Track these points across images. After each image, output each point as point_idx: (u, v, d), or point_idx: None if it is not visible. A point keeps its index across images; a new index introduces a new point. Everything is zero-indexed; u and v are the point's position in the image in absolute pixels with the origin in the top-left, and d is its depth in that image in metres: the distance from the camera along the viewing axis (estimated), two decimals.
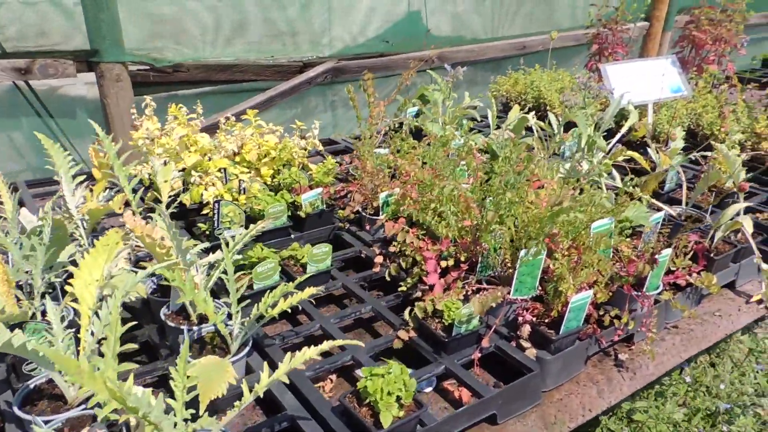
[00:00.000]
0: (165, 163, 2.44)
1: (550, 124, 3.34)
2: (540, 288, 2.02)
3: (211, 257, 1.83)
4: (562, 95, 3.53)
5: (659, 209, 2.70)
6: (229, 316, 1.71)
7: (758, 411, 3.52)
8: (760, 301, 2.42)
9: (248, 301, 1.86)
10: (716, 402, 3.29)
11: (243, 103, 3.68)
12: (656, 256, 2.02)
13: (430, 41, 4.69)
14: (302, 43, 4.02)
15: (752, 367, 3.99)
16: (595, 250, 2.02)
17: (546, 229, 1.97)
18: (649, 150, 3.13)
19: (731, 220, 2.32)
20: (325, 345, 1.44)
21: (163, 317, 1.78)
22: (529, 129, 3.47)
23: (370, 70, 4.27)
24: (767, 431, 3.53)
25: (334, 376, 1.87)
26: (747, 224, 2.23)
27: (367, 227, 2.51)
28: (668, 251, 2.08)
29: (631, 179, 2.94)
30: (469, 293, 1.99)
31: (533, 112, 3.44)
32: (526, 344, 1.90)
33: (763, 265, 2.36)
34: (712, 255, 2.33)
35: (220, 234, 2.27)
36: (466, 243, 2.09)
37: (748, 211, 2.97)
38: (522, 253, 1.94)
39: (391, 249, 2.26)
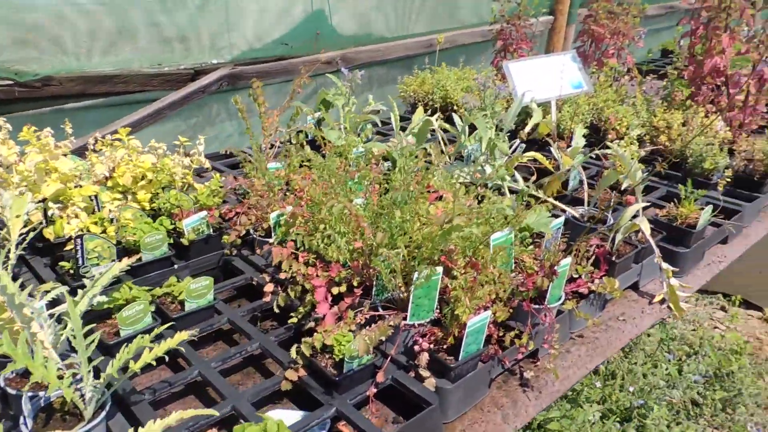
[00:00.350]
0: (21, 194, 2.16)
1: (455, 125, 3.25)
2: (438, 310, 1.89)
3: (58, 308, 1.59)
4: (462, 97, 3.44)
5: (562, 211, 2.65)
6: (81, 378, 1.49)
7: (671, 400, 3.58)
8: (662, 301, 2.40)
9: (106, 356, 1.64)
10: (630, 398, 3.31)
11: (125, 117, 3.39)
12: (555, 268, 1.94)
13: (336, 41, 4.52)
14: (195, 50, 3.76)
15: (664, 357, 4.07)
16: (493, 266, 1.92)
17: (440, 248, 1.85)
18: (552, 149, 3.09)
19: (630, 221, 2.28)
20: (173, 418, 1.24)
21: (2, 383, 1.53)
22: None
23: (269, 75, 4.08)
24: (680, 419, 3.59)
25: (215, 430, 1.68)
26: (644, 226, 2.19)
27: (258, 251, 2.32)
28: (568, 260, 2.00)
29: (534, 181, 2.89)
30: (362, 322, 1.84)
31: (438, 114, 3.34)
32: (425, 373, 1.77)
33: (664, 265, 2.33)
34: (613, 258, 2.29)
35: (87, 272, 2.03)
36: (358, 266, 1.93)
37: (651, 205, 2.98)
38: (415, 275, 1.81)
39: (282, 276, 2.08)
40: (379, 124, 3.70)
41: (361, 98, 4.92)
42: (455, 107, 3.97)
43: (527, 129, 3.31)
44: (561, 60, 3.68)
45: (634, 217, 2.29)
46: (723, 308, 5.23)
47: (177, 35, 3.63)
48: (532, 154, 2.87)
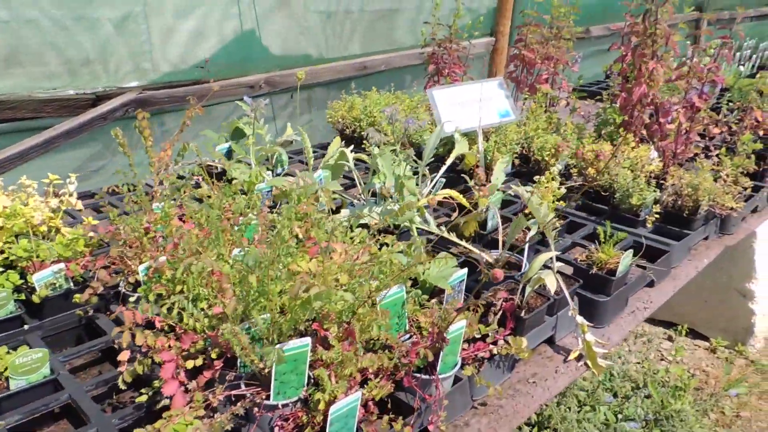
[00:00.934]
0: None
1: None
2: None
3: None
4: (366, 131, 3.22)
5: (475, 257, 2.43)
6: None
7: None
8: (579, 357, 2.19)
9: None
10: None
11: (9, 148, 3.07)
12: (445, 334, 1.70)
13: (266, 62, 4.27)
14: (100, 73, 3.46)
15: (603, 398, 3.86)
16: (372, 331, 1.68)
17: (304, 317, 1.60)
18: (472, 185, 2.87)
19: (540, 270, 2.06)
20: None
21: None
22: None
23: (182, 100, 3.80)
24: None
25: None
26: (549, 281, 1.98)
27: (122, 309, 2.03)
28: (461, 324, 1.77)
29: (446, 223, 2.67)
30: (216, 404, 1.57)
31: (352, 145, 3.11)
32: None
33: (578, 319, 2.13)
34: (522, 314, 2.07)
35: None
36: (215, 336, 1.67)
37: (575, 245, 2.79)
38: (276, 348, 1.55)
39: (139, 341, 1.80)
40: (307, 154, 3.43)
41: (299, 123, 4.69)
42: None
43: (448, 162, 3.10)
44: (488, 87, 3.50)
45: (544, 267, 2.07)
46: (670, 338, 5.10)
47: (80, 57, 3.34)
48: (447, 191, 2.65)
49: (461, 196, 2.66)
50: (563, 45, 4.05)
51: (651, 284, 2.63)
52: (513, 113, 3.42)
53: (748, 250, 4.44)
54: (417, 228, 2.48)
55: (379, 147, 2.46)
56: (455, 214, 2.96)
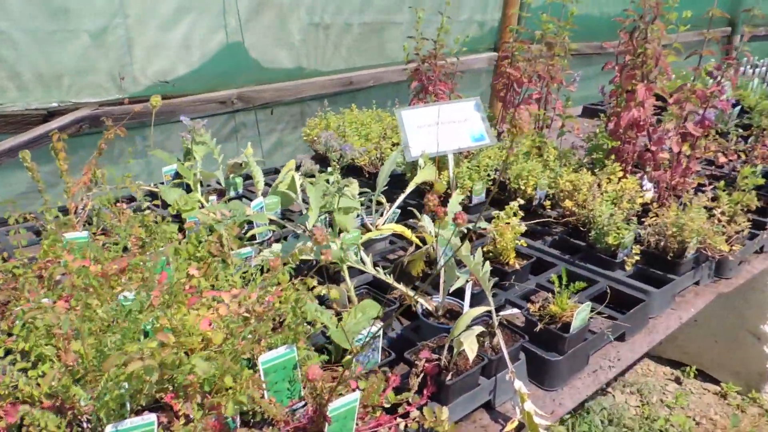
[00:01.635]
0: None
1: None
2: None
3: None
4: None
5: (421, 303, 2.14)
6: None
7: None
8: (520, 428, 1.88)
9: None
10: None
11: None
12: (327, 410, 1.43)
13: (249, 76, 4.07)
14: (53, 87, 3.30)
15: None
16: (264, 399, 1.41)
17: (143, 390, 1.34)
18: (426, 218, 2.59)
19: (465, 329, 1.77)
20: None
21: None
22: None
23: (141, 117, 3.61)
24: None
25: None
26: (468, 345, 1.68)
27: None
28: (353, 398, 1.49)
29: (393, 261, 2.40)
30: None
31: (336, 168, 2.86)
32: None
33: (517, 384, 1.82)
34: (447, 378, 1.77)
35: None
36: (52, 406, 1.43)
37: (539, 289, 2.48)
38: (109, 429, 1.30)
39: None
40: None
41: (270, 143, 4.47)
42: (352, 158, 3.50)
43: (408, 189, 2.82)
44: (463, 107, 3.21)
45: (470, 327, 1.78)
46: (677, 380, 4.68)
47: (32, 71, 3.19)
48: (392, 226, 2.38)
49: (408, 231, 2.38)
50: (556, 63, 3.74)
51: (622, 337, 2.30)
52: (488, 137, 3.13)
53: (763, 288, 4.03)
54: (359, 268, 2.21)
55: (312, 176, 2.20)
56: (411, 249, 2.68)
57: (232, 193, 3.10)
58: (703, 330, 4.55)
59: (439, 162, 3.20)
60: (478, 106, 3.21)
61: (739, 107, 5.00)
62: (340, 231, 2.36)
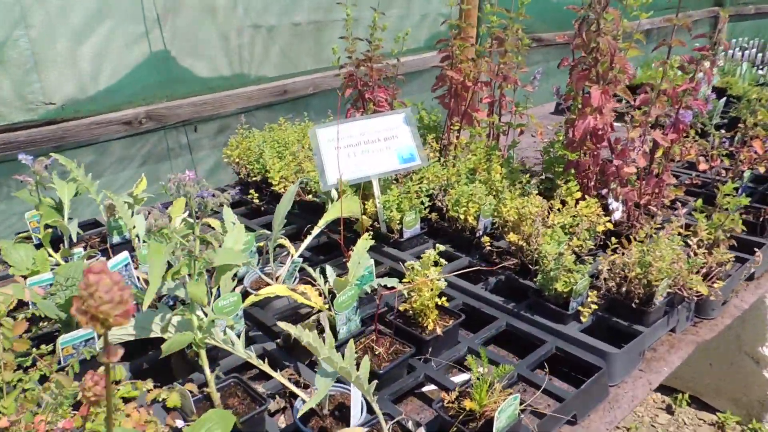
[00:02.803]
0: None
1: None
2: None
3: None
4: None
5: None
6: None
7: None
8: None
9: None
10: None
11: None
12: None
13: (183, 89, 3.56)
14: None
15: None
16: None
17: None
18: (327, 269, 2.07)
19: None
20: None
21: None
22: None
23: (27, 144, 3.10)
24: None
25: None
26: None
27: None
28: None
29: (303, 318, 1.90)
30: None
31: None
32: None
33: None
34: None
35: None
36: None
37: (468, 355, 1.96)
38: None
39: None
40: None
41: (209, 164, 3.96)
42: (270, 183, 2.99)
43: (315, 231, 2.31)
44: (391, 121, 2.70)
45: None
46: (669, 409, 4.18)
47: None
48: (272, 289, 1.86)
49: (295, 292, 1.87)
50: (508, 60, 3.21)
51: (574, 420, 1.79)
52: (418, 157, 2.61)
53: (760, 306, 3.52)
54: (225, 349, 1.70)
55: (152, 232, 1.69)
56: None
57: (116, 239, 2.58)
58: (696, 352, 4.04)
59: (365, 188, 2.69)
60: (408, 119, 2.69)
61: (725, 98, 4.47)
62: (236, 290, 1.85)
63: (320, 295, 1.95)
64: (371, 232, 2.62)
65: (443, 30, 3.45)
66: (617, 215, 2.66)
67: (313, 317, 1.82)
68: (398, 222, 2.55)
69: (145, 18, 3.37)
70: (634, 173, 2.52)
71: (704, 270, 2.19)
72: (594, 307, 2.04)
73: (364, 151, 2.60)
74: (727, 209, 2.30)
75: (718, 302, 2.26)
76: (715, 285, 2.16)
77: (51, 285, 1.99)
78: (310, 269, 1.96)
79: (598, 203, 2.46)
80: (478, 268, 2.20)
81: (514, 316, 2.13)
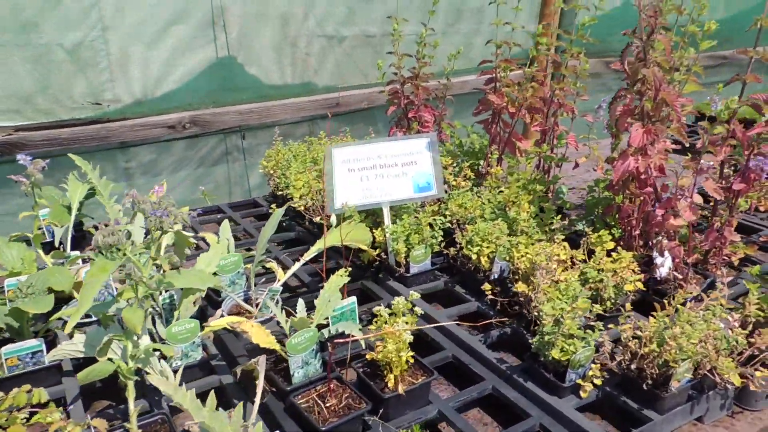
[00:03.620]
0: None
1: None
2: None
3: None
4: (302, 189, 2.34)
5: None
6: None
7: None
8: None
9: None
10: None
11: None
12: None
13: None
14: None
15: None
16: None
17: None
18: (298, 304, 1.90)
19: None
20: None
21: None
22: None
23: (71, 142, 3.19)
24: None
25: None
26: None
27: None
28: None
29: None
30: None
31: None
32: None
33: None
34: None
35: None
36: None
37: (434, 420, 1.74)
38: None
39: None
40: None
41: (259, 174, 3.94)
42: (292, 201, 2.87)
43: (305, 258, 2.16)
44: (413, 146, 2.50)
45: None
46: None
47: None
48: (229, 318, 1.72)
49: (253, 328, 1.72)
50: (565, 85, 2.91)
51: None
52: (436, 187, 2.39)
53: None
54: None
55: (103, 252, 1.60)
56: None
57: None
58: None
59: (377, 215, 2.51)
60: (432, 144, 2.48)
61: None
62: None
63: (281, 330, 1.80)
64: (378, 263, 2.45)
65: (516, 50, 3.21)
66: (663, 272, 2.30)
67: (251, 362, 1.66)
68: (405, 255, 2.34)
69: (214, 24, 3.39)
70: (682, 226, 2.16)
71: (747, 353, 1.82)
72: (598, 382, 1.74)
73: (378, 176, 2.42)
74: None
75: (764, 392, 1.87)
76: (758, 373, 1.78)
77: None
78: (271, 303, 1.81)
79: (633, 257, 2.12)
80: (476, 324, 1.95)
81: (504, 379, 1.86)
